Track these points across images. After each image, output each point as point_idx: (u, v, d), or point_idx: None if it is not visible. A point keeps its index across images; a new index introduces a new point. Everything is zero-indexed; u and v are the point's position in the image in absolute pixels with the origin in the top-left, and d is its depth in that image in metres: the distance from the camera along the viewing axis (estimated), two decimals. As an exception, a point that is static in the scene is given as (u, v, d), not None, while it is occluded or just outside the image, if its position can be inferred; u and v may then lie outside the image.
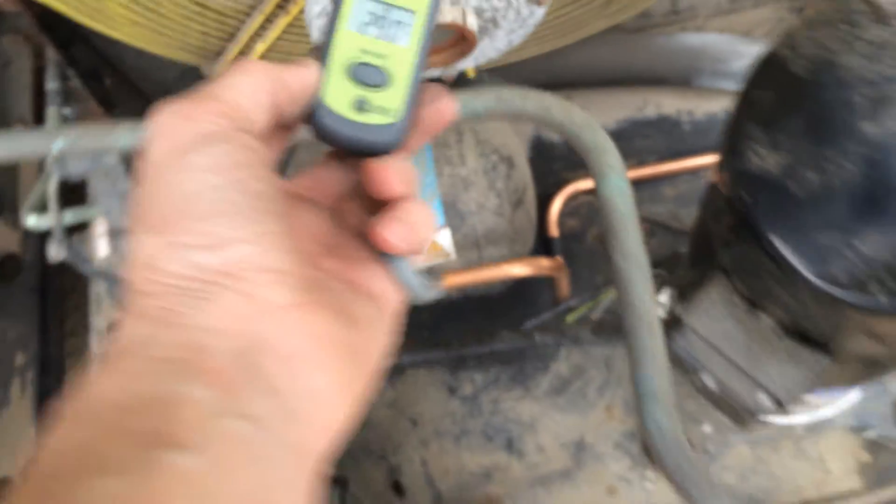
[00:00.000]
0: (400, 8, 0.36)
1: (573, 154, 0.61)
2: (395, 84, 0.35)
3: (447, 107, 0.36)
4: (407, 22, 0.36)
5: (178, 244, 0.28)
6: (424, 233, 0.33)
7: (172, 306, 0.28)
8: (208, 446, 0.25)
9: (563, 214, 1.10)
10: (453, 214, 0.93)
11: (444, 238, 0.91)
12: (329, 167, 0.37)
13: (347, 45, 0.35)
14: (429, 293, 0.35)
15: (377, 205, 0.34)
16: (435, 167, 0.93)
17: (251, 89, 0.31)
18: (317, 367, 0.29)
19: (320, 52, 0.35)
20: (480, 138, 0.95)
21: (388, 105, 0.35)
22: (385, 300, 0.34)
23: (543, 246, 1.08)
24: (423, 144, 0.37)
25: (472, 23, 0.58)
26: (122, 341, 0.28)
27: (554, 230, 1.08)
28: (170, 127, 0.30)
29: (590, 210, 1.12)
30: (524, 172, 0.99)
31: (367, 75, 0.35)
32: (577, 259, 1.08)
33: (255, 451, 0.26)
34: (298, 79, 0.33)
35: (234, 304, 0.28)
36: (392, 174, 0.33)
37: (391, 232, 0.32)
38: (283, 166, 0.95)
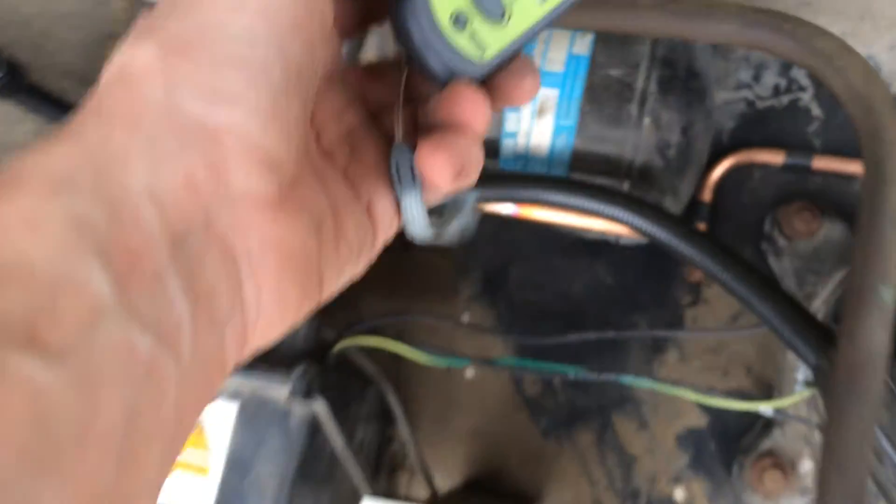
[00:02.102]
0: None
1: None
2: (506, 28, 0.32)
3: (529, 86, 0.33)
4: None
5: (173, 71, 0.24)
6: (471, 177, 0.31)
7: (122, 142, 0.23)
8: (78, 360, 0.19)
9: (728, 182, 0.95)
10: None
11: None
12: (384, 71, 0.34)
13: None
14: (427, 234, 0.33)
15: (420, 125, 0.32)
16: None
17: None
18: (270, 287, 0.26)
19: None
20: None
21: (487, 41, 0.32)
22: (381, 225, 0.32)
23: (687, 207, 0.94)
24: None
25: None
26: (41, 167, 0.22)
27: (707, 193, 0.94)
28: None
29: (768, 190, 0.96)
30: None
31: (484, 1, 0.32)
32: (724, 240, 0.94)
33: (139, 372, 0.21)
34: None
35: (196, 173, 0.24)
36: (476, 103, 0.30)
37: (440, 158, 0.30)
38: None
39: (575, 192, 0.72)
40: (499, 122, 0.81)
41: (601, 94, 0.78)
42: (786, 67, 0.94)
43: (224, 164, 0.24)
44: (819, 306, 0.85)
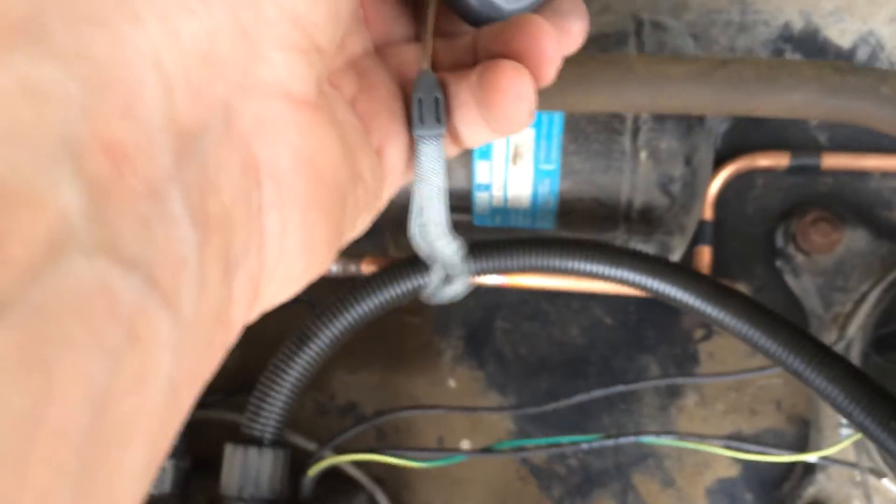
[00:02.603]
0: None
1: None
2: None
3: (577, 28, 0.29)
4: None
5: None
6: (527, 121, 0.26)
7: None
8: (24, 315, 0.12)
9: (728, 194, 0.83)
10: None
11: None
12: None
13: None
14: (442, 192, 0.28)
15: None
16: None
17: None
18: (296, 218, 0.21)
19: None
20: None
21: None
22: (389, 174, 0.27)
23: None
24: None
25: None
26: None
27: (708, 211, 0.82)
28: None
29: (775, 197, 0.84)
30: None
31: None
32: (733, 260, 0.83)
33: (118, 333, 0.14)
34: None
35: (222, 43, 0.18)
36: (551, 38, 0.26)
37: (514, 80, 0.25)
38: None
39: (582, 255, 0.60)
40: (468, 171, 0.68)
41: (585, 129, 0.66)
42: (777, 54, 0.83)
43: (259, 38, 0.19)
44: (856, 333, 0.75)
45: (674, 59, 0.32)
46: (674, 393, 0.83)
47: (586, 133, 0.65)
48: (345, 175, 0.24)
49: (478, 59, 0.29)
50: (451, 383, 0.87)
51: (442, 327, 0.87)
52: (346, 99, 0.27)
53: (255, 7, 0.19)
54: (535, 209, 0.68)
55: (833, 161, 0.80)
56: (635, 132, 0.65)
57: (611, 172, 0.65)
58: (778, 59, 0.31)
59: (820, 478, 0.77)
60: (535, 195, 0.68)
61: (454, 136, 0.29)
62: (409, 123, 0.29)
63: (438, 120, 0.28)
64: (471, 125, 0.29)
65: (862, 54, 0.82)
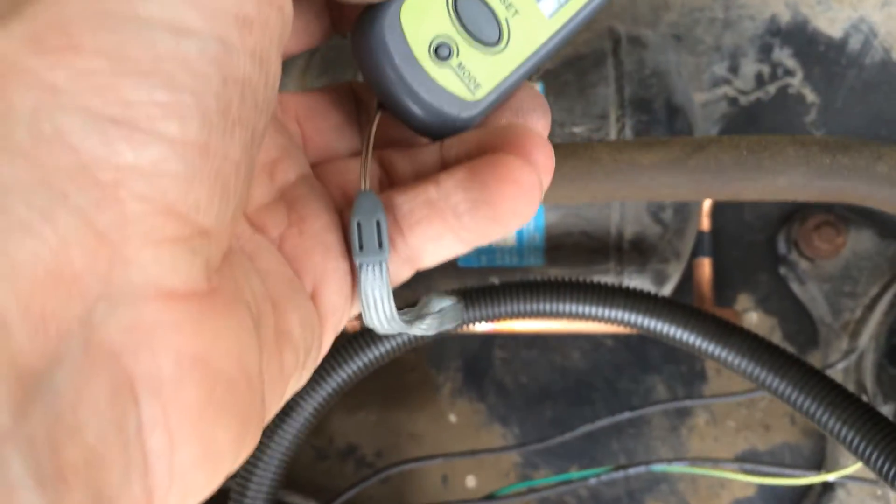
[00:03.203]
0: None
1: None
2: (505, 54, 0.26)
3: (541, 126, 0.27)
4: None
5: (51, 74, 0.16)
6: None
7: None
8: None
9: (725, 202, 0.80)
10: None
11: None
12: (343, 103, 0.28)
13: None
14: (394, 324, 0.25)
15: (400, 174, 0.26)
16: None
17: None
18: (189, 432, 0.18)
19: None
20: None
21: (479, 75, 0.26)
22: (329, 316, 0.24)
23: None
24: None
25: None
26: None
27: (705, 221, 0.79)
28: None
29: (773, 202, 0.81)
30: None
31: (475, 18, 0.25)
32: (735, 270, 0.79)
33: None
34: None
35: (72, 253, 0.16)
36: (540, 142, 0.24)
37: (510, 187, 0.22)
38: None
39: (573, 297, 0.57)
40: (447, 213, 0.64)
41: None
42: (765, 50, 0.79)
43: (123, 239, 0.16)
44: (868, 343, 0.71)
45: (643, 146, 0.29)
46: (683, 413, 0.80)
47: (568, 164, 0.62)
48: (254, 358, 0.20)
49: (446, 165, 0.26)
50: (452, 418, 0.84)
51: (438, 360, 0.84)
52: (273, 238, 0.24)
53: (113, 207, 0.16)
54: (521, 246, 0.65)
55: (832, 159, 0.77)
56: (620, 160, 0.61)
57: (598, 204, 0.62)
58: (758, 139, 0.28)
59: (840, 493, 0.74)
60: (519, 232, 0.64)
61: (411, 257, 0.26)
62: (350, 252, 0.26)
63: (380, 244, 0.25)
64: (435, 240, 0.25)
65: (854, 43, 0.78)
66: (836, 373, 0.72)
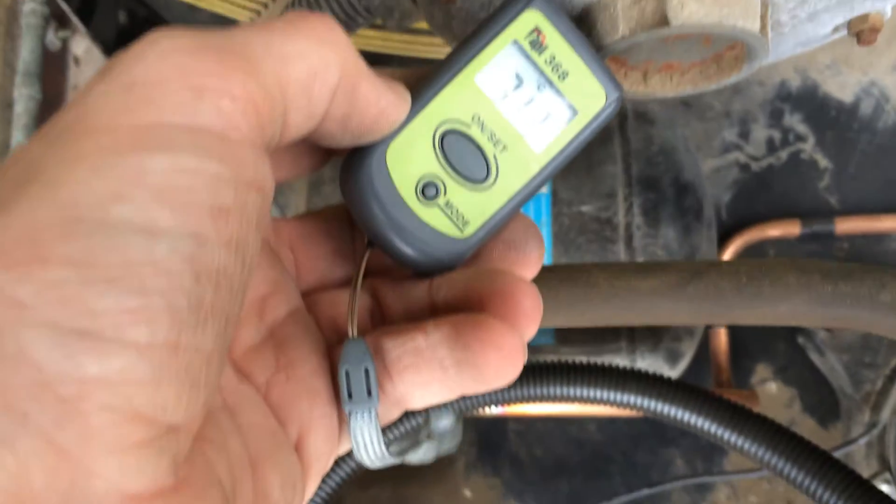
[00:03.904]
0: (561, 95, 0.26)
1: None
2: (493, 190, 0.26)
3: (533, 258, 0.26)
4: (559, 118, 0.26)
5: (12, 290, 0.15)
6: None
7: None
8: None
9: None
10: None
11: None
12: (338, 229, 0.27)
13: (459, 99, 0.25)
14: (384, 461, 0.25)
15: (395, 311, 0.26)
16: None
17: (312, 70, 0.20)
18: None
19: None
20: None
21: (467, 212, 0.26)
22: (315, 463, 0.23)
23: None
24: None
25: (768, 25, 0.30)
26: None
27: (719, 289, 0.78)
28: (155, 77, 0.18)
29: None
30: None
31: (462, 157, 0.25)
32: (752, 340, 0.78)
33: None
34: (378, 91, 0.23)
35: (32, 471, 0.15)
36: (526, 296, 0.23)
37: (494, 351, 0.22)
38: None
39: (590, 382, 0.56)
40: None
41: (576, 239, 0.61)
42: (776, 115, 0.78)
43: (84, 452, 0.15)
44: (890, 416, 0.70)
45: (641, 270, 0.28)
46: (704, 488, 0.78)
47: (577, 244, 0.61)
48: None
49: (435, 307, 0.26)
50: (467, 493, 0.82)
51: (452, 434, 0.83)
52: (259, 387, 0.24)
53: (76, 421, 0.16)
54: (531, 326, 0.64)
55: (847, 225, 0.76)
56: (629, 239, 0.60)
57: (607, 283, 0.61)
58: (759, 264, 0.27)
59: (870, 571, 0.71)
60: (529, 312, 0.63)
61: (400, 400, 0.26)
62: (338, 397, 0.25)
63: (369, 392, 0.25)
64: (423, 386, 0.25)
65: (866, 107, 0.77)
66: (859, 448, 0.70)
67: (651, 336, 0.63)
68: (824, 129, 0.78)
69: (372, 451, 0.25)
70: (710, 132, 0.80)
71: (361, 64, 0.23)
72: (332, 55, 0.22)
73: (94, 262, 0.16)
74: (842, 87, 0.78)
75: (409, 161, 0.25)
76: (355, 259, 0.29)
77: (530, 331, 0.24)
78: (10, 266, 0.16)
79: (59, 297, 0.16)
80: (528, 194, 0.27)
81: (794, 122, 0.79)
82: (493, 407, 0.65)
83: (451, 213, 0.26)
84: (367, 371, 0.25)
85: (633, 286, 0.29)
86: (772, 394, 0.77)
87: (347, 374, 0.25)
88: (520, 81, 0.26)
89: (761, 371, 0.78)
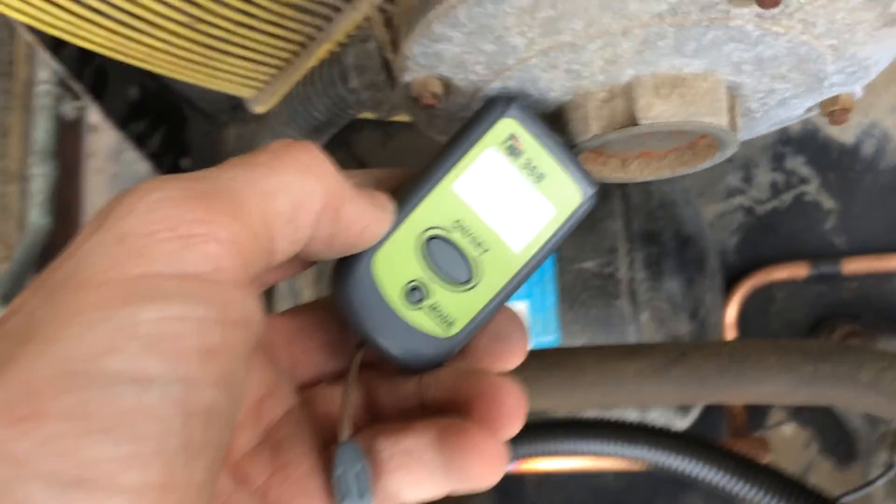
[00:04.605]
0: (539, 196, 0.27)
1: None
2: (476, 291, 0.27)
3: (518, 348, 0.27)
4: (536, 218, 0.27)
5: (13, 445, 0.16)
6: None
7: None
8: None
9: (750, 311, 0.79)
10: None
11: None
12: (331, 321, 0.28)
13: (440, 207, 0.27)
14: None
15: (393, 407, 0.27)
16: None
17: (296, 202, 0.22)
18: None
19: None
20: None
21: (452, 313, 0.27)
22: None
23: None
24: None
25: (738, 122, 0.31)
26: None
27: (730, 333, 0.78)
28: (144, 230, 0.19)
29: (798, 309, 0.79)
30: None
31: (446, 260, 0.27)
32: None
33: None
34: (361, 210, 0.24)
35: None
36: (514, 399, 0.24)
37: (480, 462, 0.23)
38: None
39: (609, 438, 0.56)
40: (465, 351, 0.65)
41: (580, 295, 0.62)
42: (778, 158, 0.79)
43: None
44: (908, 459, 0.69)
45: (627, 353, 0.29)
46: (725, 532, 0.78)
47: (582, 300, 0.62)
48: None
49: (425, 405, 0.27)
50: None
51: (470, 486, 0.83)
52: (256, 491, 0.25)
53: None
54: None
55: (855, 265, 0.76)
56: (632, 294, 0.61)
57: (613, 337, 0.62)
58: (742, 345, 0.28)
59: None
60: (538, 368, 0.64)
61: (392, 495, 0.27)
62: (333, 496, 0.26)
63: (362, 494, 0.26)
64: (414, 485, 0.26)
65: (867, 148, 0.78)
66: (878, 489, 0.70)
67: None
68: (827, 171, 0.79)
69: None
70: (713, 177, 0.81)
71: (344, 187, 0.24)
72: (315, 184, 0.23)
73: (89, 413, 0.17)
74: (843, 130, 0.79)
75: (395, 267, 0.27)
76: (348, 351, 0.30)
77: (515, 427, 0.26)
78: (10, 423, 0.17)
79: (56, 450, 0.17)
80: (510, 291, 0.28)
81: (797, 164, 0.79)
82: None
83: (437, 314, 0.27)
84: (359, 472, 0.26)
85: (620, 369, 0.30)
86: (788, 436, 0.77)
87: (340, 478, 0.26)
88: (498, 186, 0.28)
89: (776, 414, 0.78)
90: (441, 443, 0.25)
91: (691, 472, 0.56)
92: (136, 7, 0.50)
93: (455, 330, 0.27)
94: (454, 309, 0.27)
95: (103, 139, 1.07)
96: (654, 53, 0.27)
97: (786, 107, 0.32)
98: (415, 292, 0.27)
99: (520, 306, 0.63)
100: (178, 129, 0.87)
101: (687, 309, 0.62)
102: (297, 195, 0.23)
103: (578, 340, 0.62)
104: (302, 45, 0.55)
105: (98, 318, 0.19)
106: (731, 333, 0.78)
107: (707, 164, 0.34)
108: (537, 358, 0.31)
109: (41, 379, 0.18)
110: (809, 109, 0.33)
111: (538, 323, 0.62)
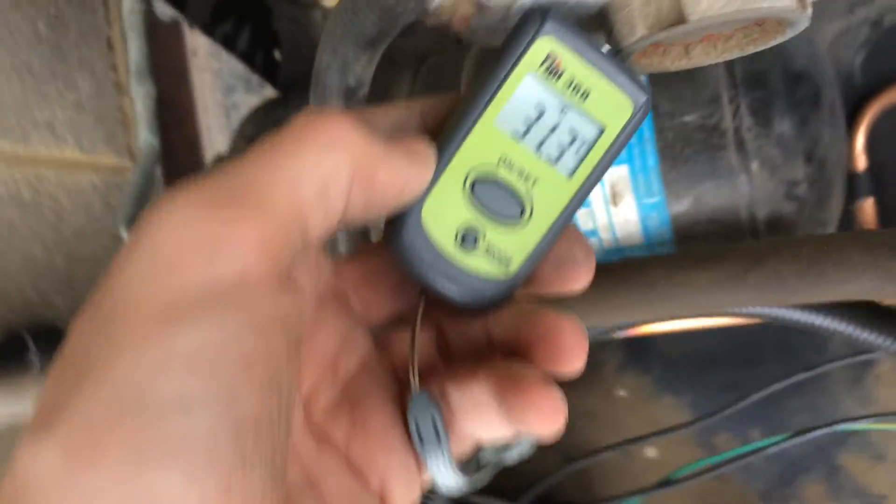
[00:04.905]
0: (585, 115, 0.26)
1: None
2: (530, 225, 0.26)
3: (582, 272, 0.27)
4: (585, 139, 0.26)
5: (82, 480, 0.18)
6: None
7: None
8: None
9: (880, 133, 0.72)
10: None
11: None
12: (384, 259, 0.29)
13: (482, 146, 0.25)
14: (462, 487, 0.27)
15: (466, 350, 0.27)
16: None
17: (324, 180, 0.21)
18: None
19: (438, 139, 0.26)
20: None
21: (508, 251, 0.26)
22: (399, 500, 0.26)
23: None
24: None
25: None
26: None
27: (860, 161, 0.72)
28: (174, 244, 0.20)
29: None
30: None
31: (495, 200, 0.26)
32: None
33: None
34: (396, 171, 0.23)
35: None
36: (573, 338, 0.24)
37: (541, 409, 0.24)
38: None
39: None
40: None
41: (683, 152, 0.59)
42: None
43: None
44: None
45: (698, 262, 0.27)
46: (865, 363, 0.76)
47: (685, 156, 0.59)
48: None
49: (493, 343, 0.28)
50: (621, 392, 0.85)
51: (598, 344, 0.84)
52: (339, 448, 0.27)
53: None
54: (649, 242, 0.63)
55: None
56: (740, 144, 0.58)
57: (722, 191, 0.59)
58: (820, 243, 0.25)
59: None
60: (645, 230, 0.63)
61: (468, 436, 0.28)
62: (412, 442, 0.28)
63: (438, 437, 0.27)
64: (487, 427, 0.27)
65: None
66: None
67: (779, 233, 0.61)
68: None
69: (452, 486, 0.28)
70: (833, -12, 0.73)
71: (375, 150, 0.24)
72: (342, 155, 0.23)
73: (143, 442, 0.19)
74: None
75: (445, 215, 0.27)
76: (417, 289, 0.30)
77: (578, 364, 0.26)
78: (74, 466, 0.19)
79: (117, 480, 0.19)
80: (566, 219, 0.27)
81: (930, -42, 0.70)
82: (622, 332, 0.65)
83: (493, 255, 0.27)
84: (433, 418, 0.27)
85: (691, 280, 0.28)
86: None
87: (417, 423, 0.27)
88: (541, 112, 0.26)
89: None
90: (501, 395, 0.25)
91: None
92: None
93: (513, 268, 0.27)
94: (510, 247, 0.27)
95: (201, 37, 1.08)
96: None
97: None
98: (468, 237, 0.27)
99: (620, 171, 0.61)
100: (265, 22, 0.87)
101: (801, 151, 0.58)
102: (325, 173, 0.23)
103: (684, 199, 0.60)
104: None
105: (140, 344, 0.20)
106: (860, 162, 0.72)
107: (779, 39, 0.30)
108: (605, 274, 0.30)
109: (98, 413, 0.19)
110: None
111: (640, 185, 0.60)
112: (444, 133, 0.27)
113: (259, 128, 0.75)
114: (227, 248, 0.20)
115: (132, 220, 0.71)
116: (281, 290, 0.21)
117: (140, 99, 0.73)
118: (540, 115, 0.26)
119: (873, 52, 0.71)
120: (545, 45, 0.26)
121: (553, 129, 0.26)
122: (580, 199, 0.27)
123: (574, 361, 0.26)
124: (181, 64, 1.09)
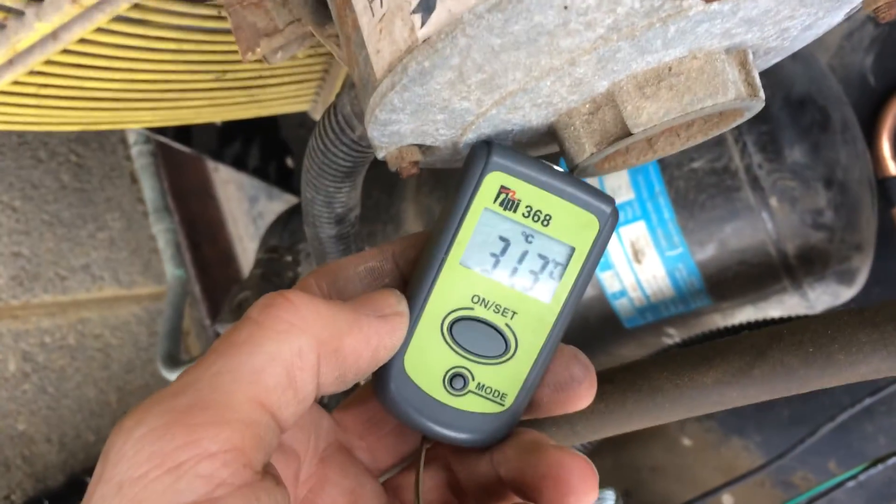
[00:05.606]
0: (551, 239, 0.25)
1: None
2: (517, 356, 0.26)
3: (584, 389, 0.26)
4: (558, 262, 0.26)
5: None
6: None
7: None
8: None
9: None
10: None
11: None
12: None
13: (453, 288, 0.25)
14: None
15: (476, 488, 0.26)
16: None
17: (286, 365, 0.21)
18: None
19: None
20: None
21: (500, 386, 0.26)
22: None
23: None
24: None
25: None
26: None
27: (889, 165, 0.70)
28: (136, 474, 0.19)
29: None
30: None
31: (475, 340, 0.25)
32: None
33: None
34: (365, 338, 0.23)
35: None
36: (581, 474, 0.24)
37: None
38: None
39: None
40: (595, 285, 0.63)
41: (698, 199, 0.58)
42: (896, -47, 0.68)
43: None
44: None
45: (701, 361, 0.26)
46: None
47: (700, 203, 0.58)
48: None
49: (501, 480, 0.27)
50: (686, 441, 0.82)
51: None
52: None
53: None
54: (682, 294, 0.62)
55: None
56: (754, 182, 0.56)
57: (745, 232, 0.57)
58: (824, 325, 0.23)
59: None
60: (675, 283, 0.61)
61: None
62: None
63: None
64: None
65: None
66: None
67: (814, 267, 0.59)
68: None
69: None
70: (825, -1, 0.71)
71: (339, 322, 0.23)
72: (303, 339, 0.22)
73: None
74: None
75: (428, 363, 0.26)
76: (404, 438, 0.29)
77: (590, 498, 0.25)
78: None
79: None
80: (555, 342, 0.27)
81: (921, -48, 0.68)
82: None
83: (486, 393, 0.26)
84: None
85: (697, 381, 0.27)
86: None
87: None
88: (506, 244, 0.26)
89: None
90: None
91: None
92: (167, 87, 0.50)
93: (508, 402, 0.26)
94: (501, 382, 0.26)
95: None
96: (619, 63, 0.23)
97: (814, 28, 0.27)
98: (456, 380, 0.26)
99: (637, 228, 0.60)
100: (273, 134, 0.89)
101: (819, 178, 0.56)
102: (286, 360, 0.22)
103: (708, 246, 0.59)
104: (329, 54, 0.54)
105: None
106: (890, 167, 0.70)
107: (739, 121, 0.29)
108: (609, 384, 0.29)
109: None
110: (849, 13, 0.27)
111: (661, 239, 0.59)
112: (414, 278, 0.26)
113: (280, 239, 0.76)
114: (189, 470, 0.20)
115: (170, 358, 0.72)
116: (257, 492, 0.21)
117: (161, 235, 0.75)
118: (505, 248, 0.26)
119: (883, 51, 0.69)
120: (495, 180, 0.25)
121: (521, 259, 0.26)
122: (565, 319, 0.26)
123: (583, 498, 0.25)
124: (205, 182, 1.11)
